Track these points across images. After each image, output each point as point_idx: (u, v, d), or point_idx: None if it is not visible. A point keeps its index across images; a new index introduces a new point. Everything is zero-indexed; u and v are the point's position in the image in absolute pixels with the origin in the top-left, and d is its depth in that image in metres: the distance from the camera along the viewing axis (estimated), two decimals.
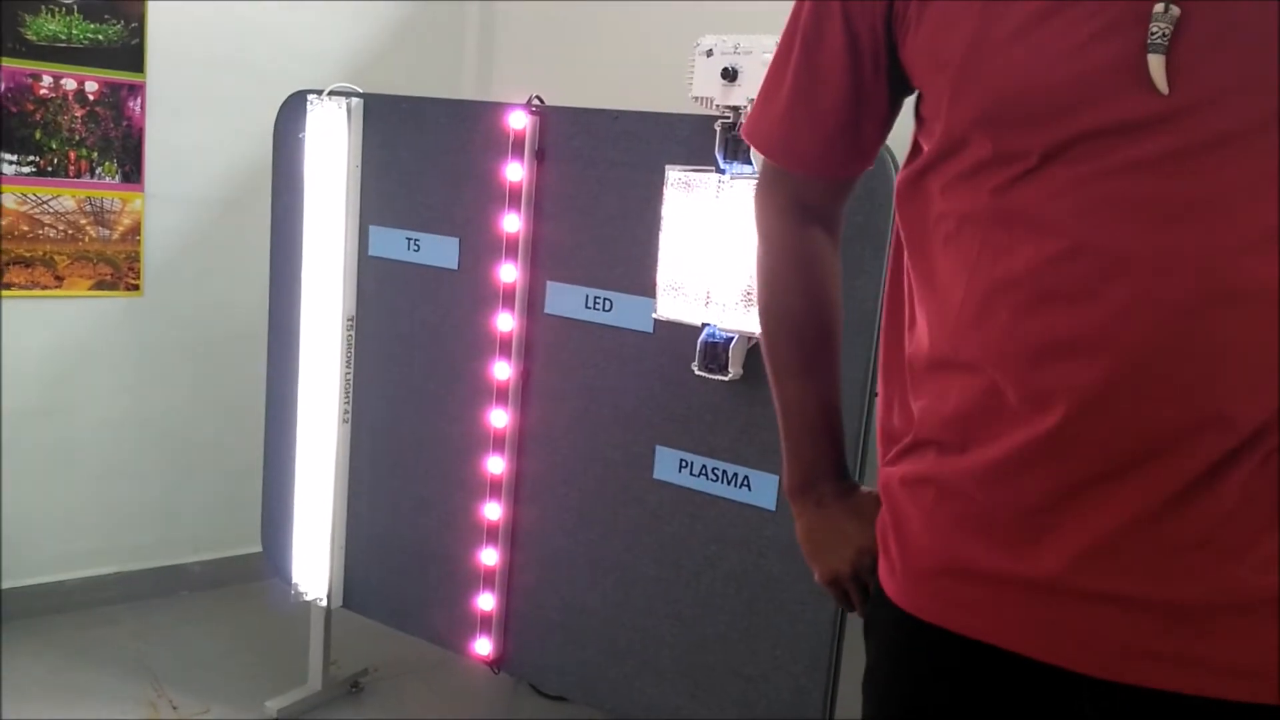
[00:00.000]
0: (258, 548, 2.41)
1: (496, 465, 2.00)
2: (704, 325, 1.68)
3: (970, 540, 0.88)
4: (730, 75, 1.58)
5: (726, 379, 1.69)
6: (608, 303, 1.85)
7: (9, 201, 2.44)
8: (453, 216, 2.01)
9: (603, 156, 1.82)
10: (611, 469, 1.87)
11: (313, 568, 2.25)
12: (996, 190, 0.83)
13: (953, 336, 0.87)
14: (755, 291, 1.61)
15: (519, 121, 1.89)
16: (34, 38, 2.40)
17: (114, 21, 2.49)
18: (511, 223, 1.92)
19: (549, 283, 1.92)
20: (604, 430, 1.88)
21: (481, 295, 1.98)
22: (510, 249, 1.93)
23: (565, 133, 1.87)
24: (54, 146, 2.48)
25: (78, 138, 2.50)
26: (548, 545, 1.97)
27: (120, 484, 2.71)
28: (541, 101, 1.90)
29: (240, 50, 2.66)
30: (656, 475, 1.82)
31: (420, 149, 2.04)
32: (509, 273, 1.94)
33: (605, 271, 1.84)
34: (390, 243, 2.10)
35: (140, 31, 2.52)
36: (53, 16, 2.42)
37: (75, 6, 2.44)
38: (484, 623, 2.06)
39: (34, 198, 2.47)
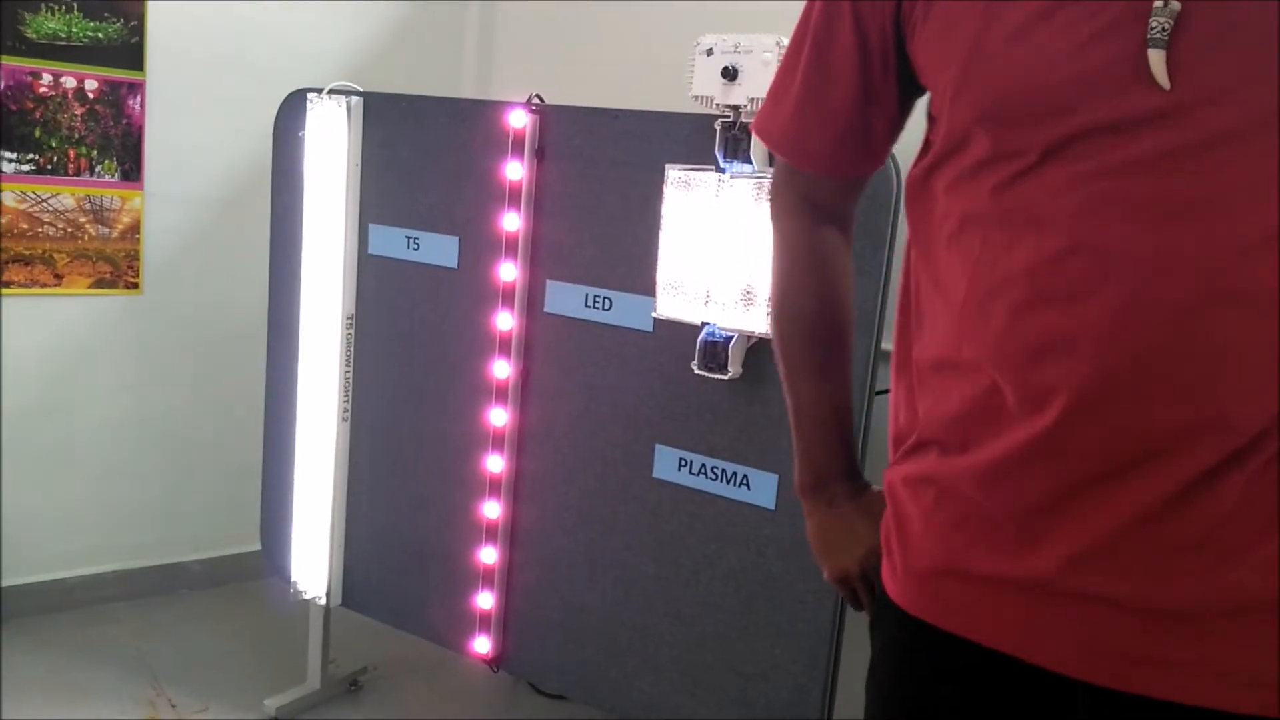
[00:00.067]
0: (257, 546, 2.41)
1: (496, 464, 2.00)
2: (704, 324, 1.68)
3: (969, 541, 0.88)
4: (730, 74, 1.58)
5: (726, 378, 1.69)
6: (607, 302, 1.85)
7: (8, 199, 2.44)
8: (452, 215, 2.01)
9: (603, 155, 1.82)
10: (611, 468, 1.87)
11: (312, 566, 2.25)
12: (997, 189, 0.83)
13: (955, 336, 0.88)
14: (755, 291, 1.62)
15: (519, 120, 1.89)
16: (34, 36, 2.40)
17: (114, 20, 2.49)
18: (511, 221, 1.92)
19: (549, 281, 1.92)
20: (603, 429, 1.88)
21: (481, 294, 1.98)
22: (510, 248, 1.93)
23: (565, 132, 1.87)
24: (53, 144, 2.47)
25: (77, 136, 2.50)
26: (547, 544, 1.97)
27: (120, 482, 2.71)
28: (541, 100, 1.90)
29: (240, 49, 2.66)
30: (656, 474, 1.82)
31: (420, 148, 2.03)
32: (509, 271, 1.94)
33: (605, 270, 1.84)
34: (390, 241, 2.10)
35: (140, 30, 2.52)
36: (53, 14, 2.42)
37: (75, 5, 2.43)
38: (483, 621, 2.06)
39: (33, 196, 2.47)
